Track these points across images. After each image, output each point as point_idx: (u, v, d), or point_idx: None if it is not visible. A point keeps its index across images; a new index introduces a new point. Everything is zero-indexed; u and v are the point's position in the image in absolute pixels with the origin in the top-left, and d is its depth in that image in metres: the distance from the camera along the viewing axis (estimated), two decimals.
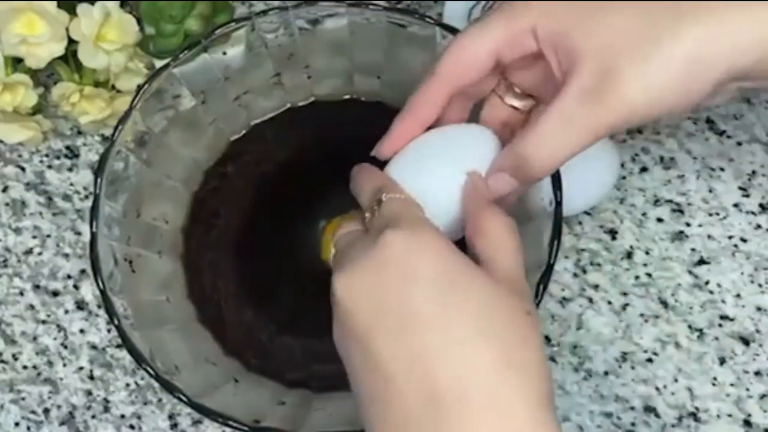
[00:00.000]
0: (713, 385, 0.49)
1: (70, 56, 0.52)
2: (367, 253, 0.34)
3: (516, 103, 0.41)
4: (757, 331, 0.49)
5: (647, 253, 0.51)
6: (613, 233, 0.52)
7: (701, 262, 0.51)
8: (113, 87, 0.54)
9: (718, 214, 0.52)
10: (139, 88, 0.46)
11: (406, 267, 0.33)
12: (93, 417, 0.50)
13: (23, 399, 0.51)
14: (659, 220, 0.52)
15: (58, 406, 0.51)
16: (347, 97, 0.53)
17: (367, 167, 0.41)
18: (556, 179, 0.43)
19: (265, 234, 0.51)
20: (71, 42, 0.51)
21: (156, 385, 0.45)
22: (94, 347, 0.52)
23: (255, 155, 0.52)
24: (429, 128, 0.41)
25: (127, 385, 0.51)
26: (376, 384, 0.33)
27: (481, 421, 0.31)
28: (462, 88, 0.39)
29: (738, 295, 0.50)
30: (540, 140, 0.36)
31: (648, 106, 0.35)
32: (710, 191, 0.52)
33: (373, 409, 0.33)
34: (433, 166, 0.39)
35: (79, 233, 0.54)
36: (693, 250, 0.51)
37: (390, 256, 0.34)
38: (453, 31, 0.46)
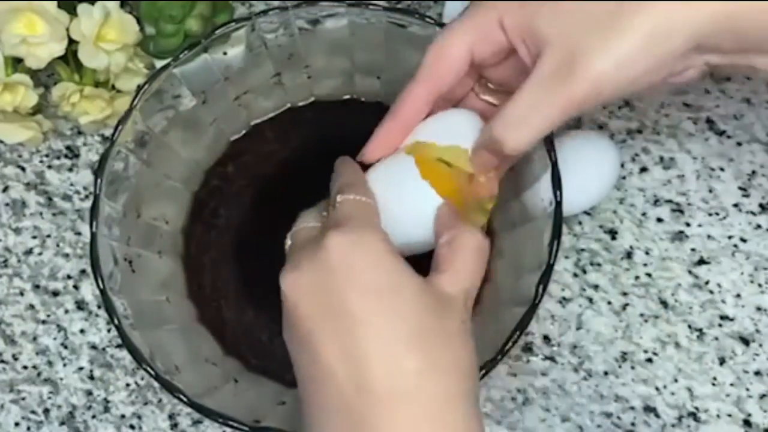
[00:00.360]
0: (713, 385, 0.49)
1: (70, 56, 0.52)
2: (312, 253, 0.36)
3: (490, 98, 0.43)
4: (757, 331, 0.49)
5: (647, 253, 0.51)
6: (612, 233, 0.52)
7: (701, 262, 0.51)
8: (113, 87, 0.54)
9: (717, 214, 0.52)
10: (139, 88, 0.46)
11: (346, 270, 0.35)
12: (93, 417, 0.50)
13: (23, 399, 0.51)
14: (659, 220, 0.52)
15: (58, 406, 0.51)
16: (347, 97, 0.53)
17: (346, 161, 0.43)
18: (556, 180, 0.43)
19: (265, 234, 0.51)
20: (71, 42, 0.51)
21: (156, 385, 0.45)
22: (94, 347, 0.52)
23: (255, 155, 0.52)
24: None
25: (127, 385, 0.51)
26: (315, 373, 0.35)
27: (406, 413, 0.34)
28: (443, 91, 0.41)
29: (738, 295, 0.50)
30: (510, 120, 0.38)
31: (614, 79, 0.35)
32: (710, 191, 0.52)
33: (310, 393, 0.36)
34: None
35: (79, 233, 0.54)
36: (693, 250, 0.51)
37: (331, 257, 0.35)
38: None
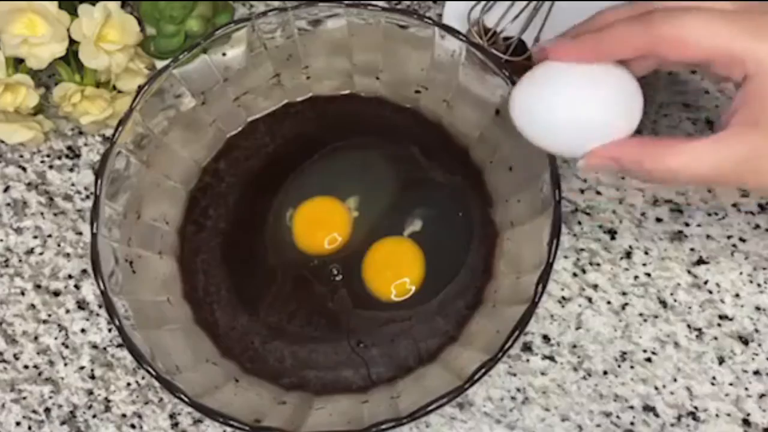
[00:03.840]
0: (712, 384, 0.49)
1: (71, 57, 0.53)
2: None
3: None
4: (756, 330, 0.50)
5: (646, 252, 0.51)
6: (612, 233, 0.52)
7: (700, 261, 0.51)
8: (114, 87, 0.54)
9: (717, 214, 0.52)
10: (140, 88, 0.47)
11: None
12: (94, 416, 0.51)
13: (24, 398, 0.51)
14: (658, 219, 0.52)
15: (59, 406, 0.51)
16: (346, 92, 0.53)
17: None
18: (555, 180, 0.43)
19: (255, 234, 0.51)
20: (72, 42, 0.52)
21: (157, 384, 0.45)
22: (95, 347, 0.52)
23: (248, 150, 0.52)
24: None
25: (128, 384, 0.51)
26: None
27: None
28: (658, 59, 0.39)
29: (737, 295, 0.50)
30: (690, 162, 0.38)
31: None
32: (709, 191, 0.52)
33: None
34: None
35: (80, 233, 0.55)
36: (692, 249, 0.51)
37: None
38: (452, 31, 0.46)
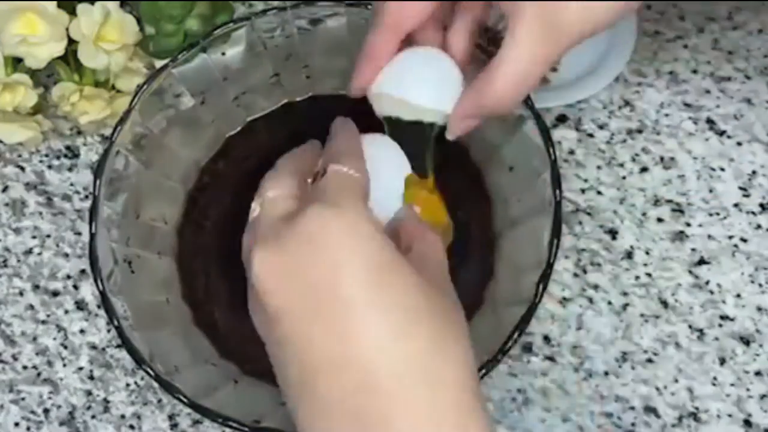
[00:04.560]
0: (713, 385, 0.49)
1: (70, 56, 0.52)
2: (292, 228, 0.33)
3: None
4: (758, 331, 0.49)
5: (647, 253, 0.51)
6: (613, 233, 0.52)
7: (701, 262, 0.51)
8: (113, 87, 0.54)
9: (718, 214, 0.52)
10: (139, 88, 0.46)
11: (335, 248, 0.32)
12: (93, 417, 0.50)
13: (23, 399, 0.51)
14: (659, 220, 0.52)
15: (58, 407, 0.51)
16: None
17: (346, 124, 0.42)
18: (556, 179, 0.43)
19: None
20: (71, 42, 0.51)
21: (156, 385, 0.45)
22: (93, 347, 0.52)
23: (247, 150, 0.52)
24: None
25: (127, 385, 0.51)
26: (301, 370, 0.32)
27: (411, 406, 0.31)
28: (407, 33, 0.42)
29: (738, 295, 0.50)
30: (506, 79, 0.38)
31: (585, 25, 0.38)
32: (710, 191, 0.52)
33: (300, 398, 0.33)
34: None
35: (78, 233, 0.54)
36: (693, 250, 0.51)
37: (315, 234, 0.32)
38: None
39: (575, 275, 0.51)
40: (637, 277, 0.51)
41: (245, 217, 0.50)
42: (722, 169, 0.53)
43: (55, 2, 0.50)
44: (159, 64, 0.54)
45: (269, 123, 0.52)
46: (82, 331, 0.52)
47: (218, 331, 0.48)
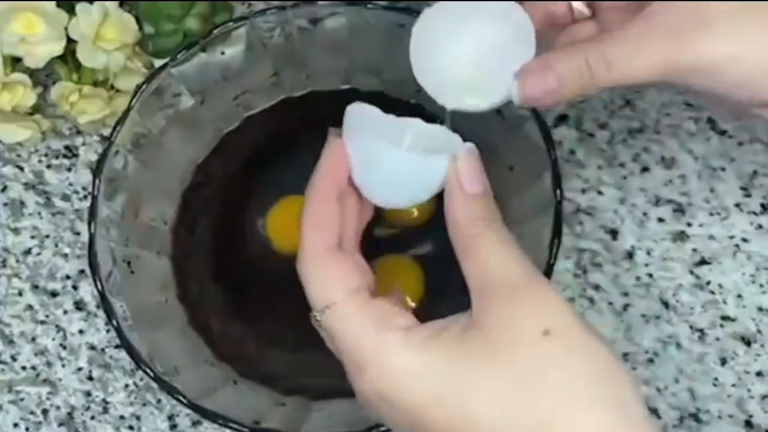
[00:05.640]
0: (714, 385, 0.48)
1: (69, 55, 0.52)
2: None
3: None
4: (759, 331, 0.49)
5: (648, 253, 0.51)
6: (613, 233, 0.52)
7: (702, 262, 0.51)
8: (112, 86, 0.54)
9: (719, 214, 0.52)
10: (138, 87, 0.46)
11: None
12: (92, 418, 0.50)
13: (22, 400, 0.51)
14: (660, 220, 0.52)
15: (57, 407, 0.51)
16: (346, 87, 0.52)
17: (333, 158, 0.38)
18: (556, 179, 0.43)
19: (250, 235, 0.50)
20: (70, 41, 0.51)
21: (155, 385, 0.45)
22: (93, 348, 0.52)
23: (244, 147, 0.52)
24: None
25: (126, 385, 0.51)
26: None
27: None
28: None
29: (739, 296, 0.50)
30: (623, 51, 0.34)
31: (713, 69, 0.34)
32: (711, 191, 0.52)
33: None
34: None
35: (77, 233, 0.54)
36: (694, 250, 0.51)
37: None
38: None
39: (576, 275, 0.51)
40: (638, 278, 0.51)
41: (239, 217, 0.50)
42: (723, 169, 0.52)
43: (54, 2, 0.50)
44: (158, 63, 0.54)
45: (267, 119, 0.52)
46: (81, 332, 0.52)
47: (213, 335, 0.48)
